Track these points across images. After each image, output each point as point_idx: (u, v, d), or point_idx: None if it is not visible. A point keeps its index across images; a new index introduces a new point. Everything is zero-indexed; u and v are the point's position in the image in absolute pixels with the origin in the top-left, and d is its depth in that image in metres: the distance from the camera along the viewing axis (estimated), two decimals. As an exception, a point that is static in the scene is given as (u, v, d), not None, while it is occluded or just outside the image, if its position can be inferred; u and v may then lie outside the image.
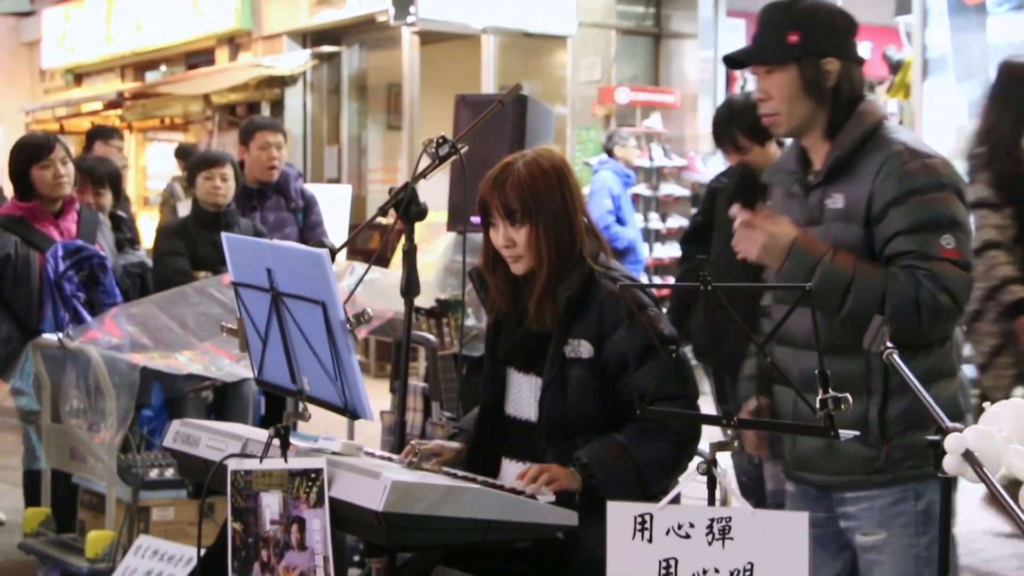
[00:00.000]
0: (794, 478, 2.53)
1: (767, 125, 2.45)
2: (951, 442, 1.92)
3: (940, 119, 7.64)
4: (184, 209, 6.06)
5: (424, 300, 4.06)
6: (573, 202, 2.51)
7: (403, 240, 2.61)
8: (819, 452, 2.41)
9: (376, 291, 3.93)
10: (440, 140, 2.58)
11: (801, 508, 2.49)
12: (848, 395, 1.96)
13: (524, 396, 2.58)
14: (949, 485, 2.02)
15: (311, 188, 5.56)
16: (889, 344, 2.14)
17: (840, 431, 1.98)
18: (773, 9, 2.40)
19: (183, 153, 9.86)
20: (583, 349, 2.48)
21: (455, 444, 2.63)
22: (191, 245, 4.69)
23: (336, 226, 6.59)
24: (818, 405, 1.96)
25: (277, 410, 4.52)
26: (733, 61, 2.46)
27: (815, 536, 2.44)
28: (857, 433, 2.16)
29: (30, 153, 4.33)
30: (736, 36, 9.58)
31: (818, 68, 2.34)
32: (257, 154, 5.02)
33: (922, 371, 2.21)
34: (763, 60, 2.37)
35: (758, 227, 2.33)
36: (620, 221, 8.07)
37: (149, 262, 4.71)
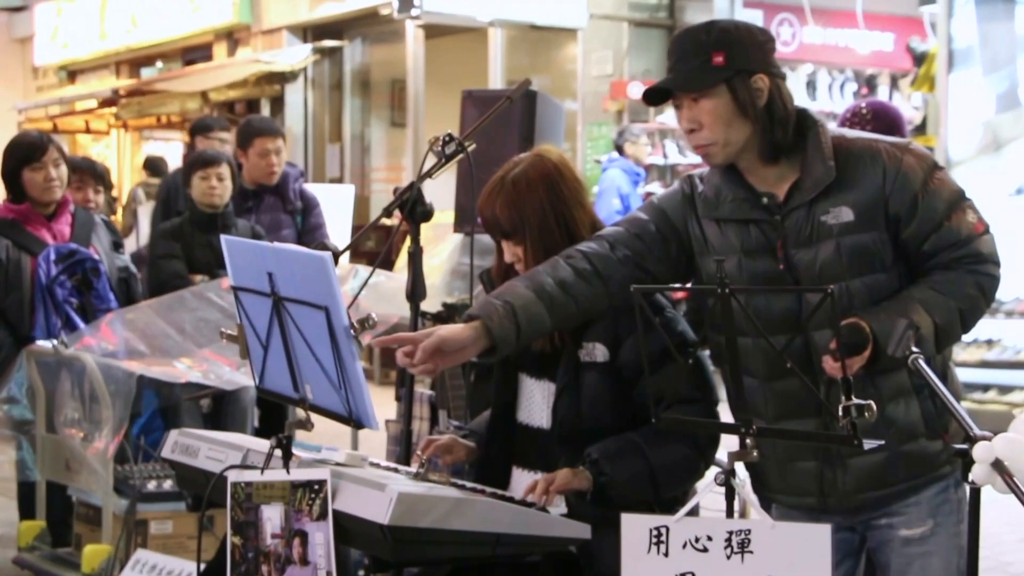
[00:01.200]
0: (851, 506, 2.38)
1: (701, 156, 2.36)
2: (980, 451, 1.88)
3: (966, 113, 7.57)
4: (144, 213, 6.00)
5: (430, 304, 4.01)
6: (565, 205, 2.47)
7: (408, 242, 2.56)
8: (877, 467, 2.31)
9: (381, 295, 3.89)
10: (446, 138, 2.54)
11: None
12: (872, 402, 1.91)
13: (536, 403, 2.54)
14: (978, 495, 1.97)
15: (313, 188, 5.49)
16: (914, 349, 2.10)
17: (864, 440, 1.92)
18: (690, 34, 2.31)
19: (151, 165, 9.81)
20: (598, 353, 2.44)
21: (465, 442, 2.59)
22: (187, 248, 4.63)
23: (338, 227, 6.52)
24: (840, 413, 1.91)
25: (272, 420, 4.51)
26: (655, 95, 2.34)
27: (846, 550, 2.40)
28: (882, 442, 2.11)
29: (22, 154, 4.26)
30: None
31: (749, 87, 2.26)
32: (256, 161, 4.94)
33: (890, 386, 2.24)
34: (692, 86, 2.27)
35: (855, 364, 2.18)
36: (629, 221, 8.00)
37: (133, 267, 4.64)
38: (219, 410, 4.43)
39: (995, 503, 2.02)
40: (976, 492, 1.95)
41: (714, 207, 2.37)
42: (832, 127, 2.38)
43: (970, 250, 2.29)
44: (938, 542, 2.35)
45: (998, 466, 1.86)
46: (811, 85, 10.18)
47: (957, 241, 2.29)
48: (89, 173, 4.80)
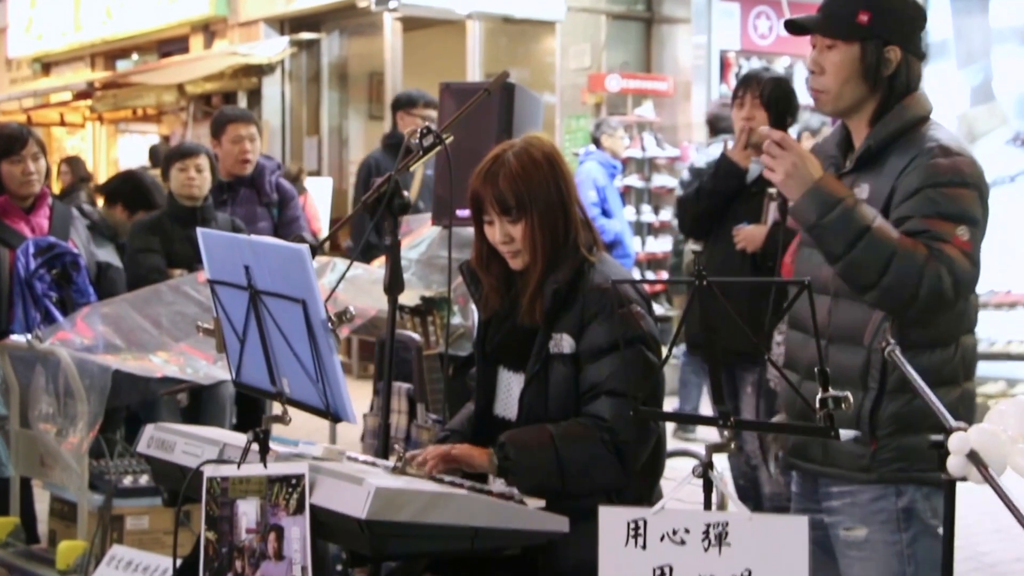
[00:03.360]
0: (790, 465, 2.53)
1: (813, 99, 2.43)
2: (955, 442, 1.89)
3: (941, 106, 7.59)
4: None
5: (408, 297, 3.99)
6: (567, 191, 2.47)
7: (386, 235, 2.53)
8: (812, 440, 2.41)
9: (359, 288, 3.87)
10: (424, 130, 2.52)
11: (801, 506, 2.49)
12: (848, 394, 1.93)
13: (512, 395, 2.53)
14: (954, 487, 1.98)
15: (289, 182, 5.46)
16: (891, 340, 2.10)
17: (841, 431, 1.93)
18: None
19: (71, 161, 9.68)
20: (565, 344, 2.43)
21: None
22: (166, 242, 4.59)
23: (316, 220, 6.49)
24: (818, 404, 1.92)
25: (250, 416, 4.47)
26: (796, 26, 2.43)
27: (815, 538, 2.43)
28: (858, 433, 2.12)
29: (1, 146, 4.22)
30: (731, 21, 9.53)
31: (880, 53, 2.35)
32: (229, 148, 4.90)
33: (918, 372, 2.17)
34: (830, 32, 2.35)
35: (790, 148, 2.31)
36: (606, 213, 7.98)
37: (114, 260, 4.59)
38: (197, 405, 4.40)
39: (969, 492, 2.02)
40: (952, 484, 1.95)
41: (818, 152, 2.45)
42: (935, 123, 2.40)
43: (943, 249, 2.24)
44: (875, 549, 2.35)
45: (973, 457, 1.86)
46: (788, 78, 10.20)
47: (933, 234, 2.25)
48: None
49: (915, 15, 2.41)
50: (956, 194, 2.29)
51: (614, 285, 2.30)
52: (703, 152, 6.74)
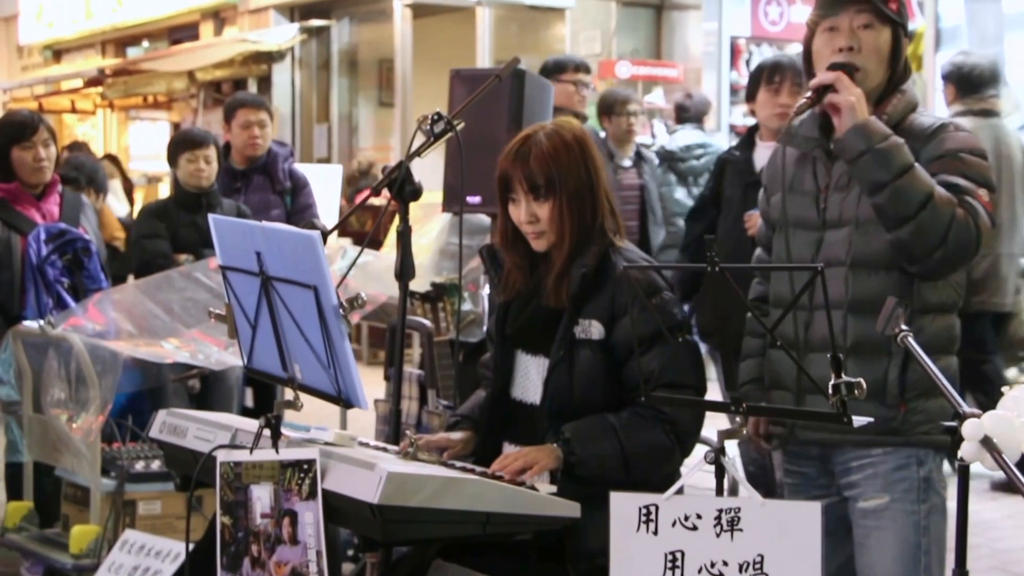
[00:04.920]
0: (800, 442, 2.49)
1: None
2: (969, 428, 1.88)
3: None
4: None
5: (419, 284, 3.99)
6: (596, 176, 2.47)
7: (397, 221, 2.54)
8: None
9: (369, 275, 3.87)
10: (435, 117, 2.52)
11: (802, 496, 2.49)
12: (862, 380, 1.92)
13: (531, 379, 2.53)
14: (967, 472, 1.97)
15: (300, 168, 5.46)
16: (904, 327, 2.10)
17: (854, 418, 1.93)
18: None
19: (74, 148, 9.67)
20: (594, 330, 2.43)
21: (459, 434, 2.57)
22: (172, 227, 4.60)
23: (327, 207, 6.49)
24: (831, 391, 1.91)
25: (266, 400, 4.48)
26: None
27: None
28: (872, 420, 2.12)
29: (12, 132, 4.22)
30: (741, 7, 9.48)
31: (902, 42, 2.46)
32: (238, 132, 4.93)
33: (921, 343, 2.20)
34: (877, 12, 2.42)
35: (853, 86, 2.38)
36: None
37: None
38: (205, 390, 4.41)
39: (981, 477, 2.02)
40: (965, 469, 1.95)
41: (791, 137, 2.51)
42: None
43: (973, 202, 2.33)
44: (893, 517, 2.38)
45: (987, 443, 1.86)
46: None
47: (964, 188, 2.33)
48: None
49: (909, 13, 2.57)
50: (977, 163, 2.39)
51: (637, 271, 2.29)
52: (673, 137, 6.87)
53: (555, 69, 4.92)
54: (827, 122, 2.47)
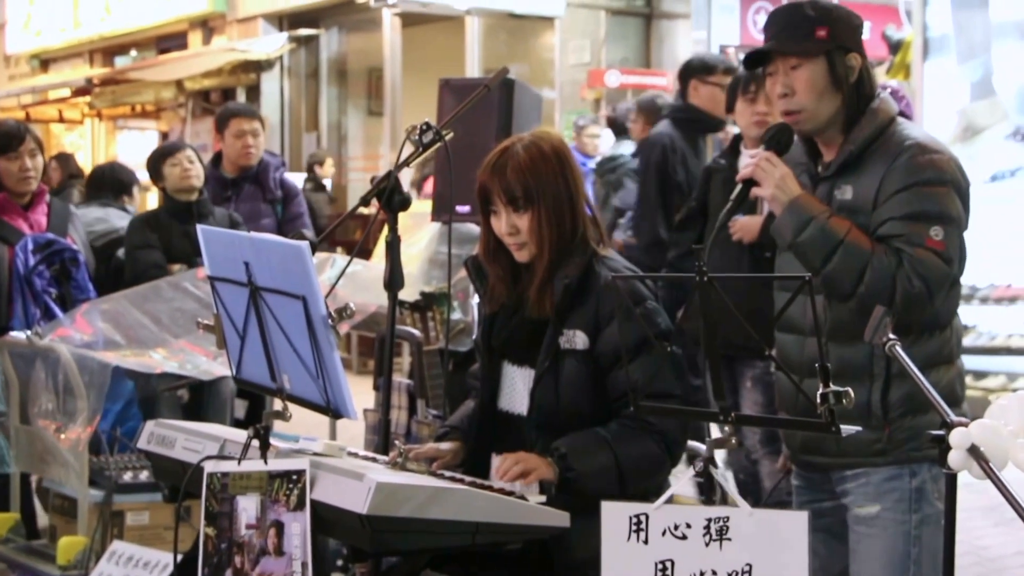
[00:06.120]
0: (800, 463, 2.58)
1: (790, 123, 2.47)
2: (956, 437, 1.89)
3: (941, 101, 7.60)
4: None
5: (408, 293, 3.99)
6: (574, 186, 2.48)
7: (386, 231, 2.54)
8: (812, 437, 2.47)
9: (358, 284, 3.87)
10: (424, 126, 2.52)
11: (807, 498, 2.55)
12: (850, 389, 1.94)
13: (517, 390, 2.53)
14: (954, 481, 1.98)
15: (291, 177, 5.47)
16: (891, 336, 2.11)
17: (842, 426, 1.93)
18: (795, 8, 2.45)
19: (61, 158, 9.66)
20: (578, 340, 2.43)
21: (449, 445, 2.57)
22: (164, 237, 4.60)
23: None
24: (819, 400, 1.92)
25: (258, 412, 4.47)
26: (756, 57, 2.47)
27: (826, 526, 2.46)
28: (859, 428, 2.13)
29: None
30: (730, 16, 9.53)
31: (844, 63, 2.42)
32: (231, 142, 4.93)
33: (921, 357, 2.28)
34: (796, 52, 2.40)
35: (779, 165, 2.41)
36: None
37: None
38: (199, 401, 4.40)
39: (968, 486, 2.03)
40: (952, 478, 1.96)
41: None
42: (904, 122, 2.47)
43: (913, 253, 2.31)
44: (883, 526, 2.41)
45: (974, 452, 1.86)
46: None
47: (907, 238, 2.32)
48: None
49: (858, 22, 2.50)
50: (933, 192, 2.36)
51: (614, 281, 2.30)
52: (612, 149, 7.08)
53: (701, 70, 4.57)
54: (813, 147, 2.49)
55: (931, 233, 2.32)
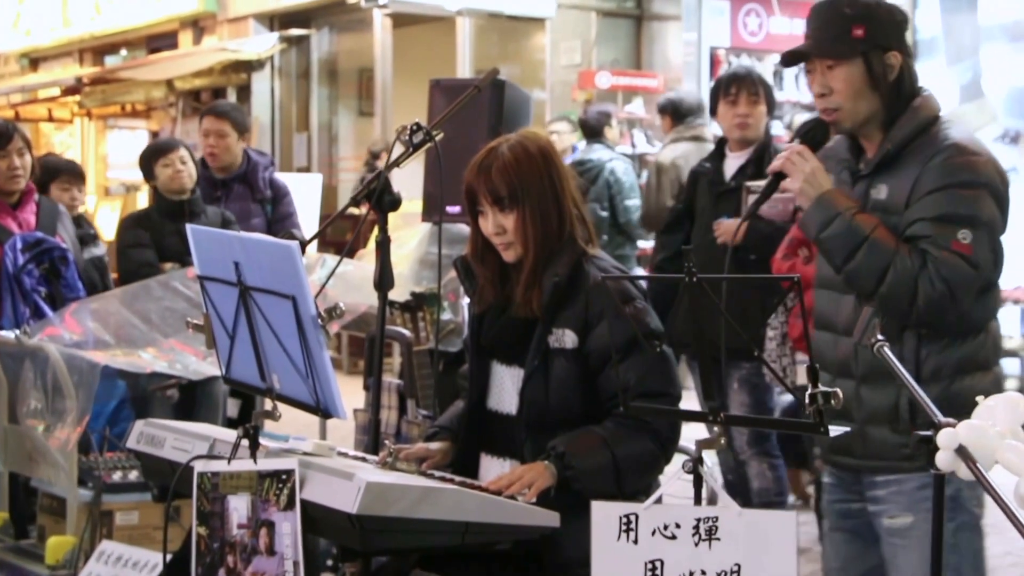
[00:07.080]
0: (831, 463, 2.58)
1: (828, 121, 2.46)
2: (943, 438, 1.89)
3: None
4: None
5: (398, 294, 3.99)
6: (560, 185, 2.48)
7: (376, 231, 2.54)
8: (853, 436, 2.45)
9: (349, 284, 3.87)
10: (414, 127, 2.53)
11: (837, 496, 2.55)
12: (838, 390, 1.94)
13: (506, 389, 2.53)
14: (942, 481, 1.99)
15: (281, 178, 5.46)
16: (880, 337, 2.12)
17: (830, 427, 1.94)
18: (833, 5, 2.43)
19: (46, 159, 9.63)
20: (567, 339, 2.43)
21: (438, 444, 2.57)
22: (156, 236, 4.59)
23: (306, 217, 6.49)
24: (807, 400, 1.93)
25: (250, 411, 4.45)
26: (793, 57, 2.46)
27: (853, 527, 2.46)
28: (847, 429, 2.14)
29: None
30: (720, 18, 9.54)
31: (883, 62, 2.40)
32: (200, 140, 4.95)
33: (953, 362, 2.28)
34: (831, 54, 2.38)
35: (810, 159, 2.39)
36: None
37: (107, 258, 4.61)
38: (191, 400, 4.40)
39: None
40: (940, 479, 1.97)
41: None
42: (947, 121, 2.44)
43: (939, 256, 2.30)
44: (920, 538, 2.38)
45: (962, 452, 1.87)
46: (778, 75, 10.22)
47: (934, 240, 2.30)
48: (73, 174, 4.79)
49: (900, 18, 2.46)
50: (966, 195, 2.33)
51: (604, 281, 2.30)
52: (583, 153, 7.09)
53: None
54: (856, 144, 2.48)
55: (959, 236, 2.31)
